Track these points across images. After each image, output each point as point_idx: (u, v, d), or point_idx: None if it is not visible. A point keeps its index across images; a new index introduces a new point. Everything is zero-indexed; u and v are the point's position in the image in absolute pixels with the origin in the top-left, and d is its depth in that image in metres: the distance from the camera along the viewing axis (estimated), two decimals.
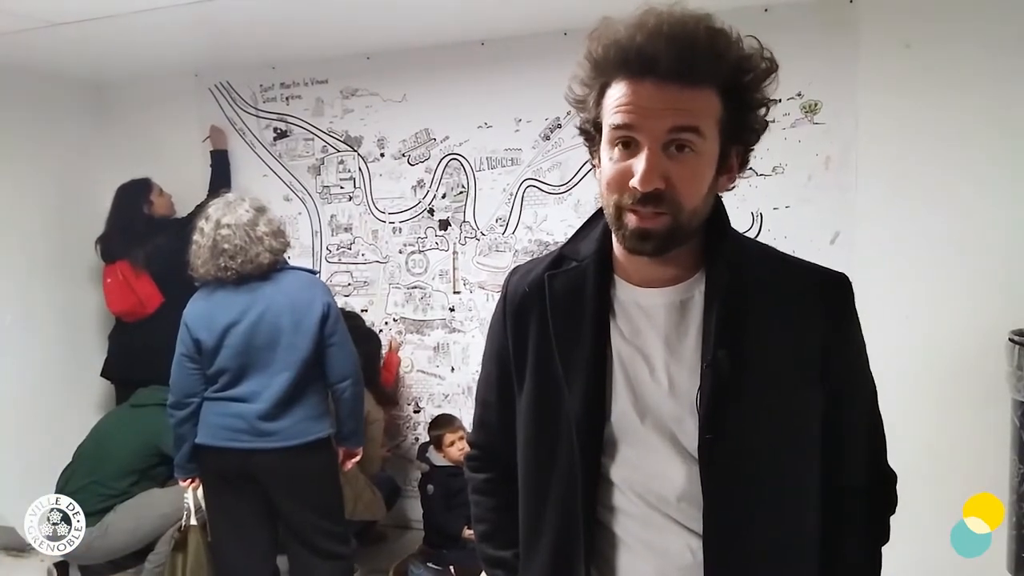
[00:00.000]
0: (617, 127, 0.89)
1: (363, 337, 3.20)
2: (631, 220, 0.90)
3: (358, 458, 2.61)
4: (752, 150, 0.97)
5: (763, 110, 0.93)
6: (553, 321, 1.03)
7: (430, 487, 3.01)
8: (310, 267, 3.45)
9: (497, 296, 1.15)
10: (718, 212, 0.99)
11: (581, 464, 0.99)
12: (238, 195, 2.47)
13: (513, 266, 1.16)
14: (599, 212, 1.06)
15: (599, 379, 0.99)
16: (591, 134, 0.97)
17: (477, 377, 1.22)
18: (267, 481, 2.36)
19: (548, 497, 1.04)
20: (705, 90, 0.87)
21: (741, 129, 0.92)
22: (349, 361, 2.45)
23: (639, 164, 0.87)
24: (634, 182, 0.87)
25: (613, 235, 0.97)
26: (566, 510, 1.01)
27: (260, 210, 2.40)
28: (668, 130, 0.87)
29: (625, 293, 1.01)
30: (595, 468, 1.00)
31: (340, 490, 2.57)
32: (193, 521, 2.58)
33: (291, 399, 2.34)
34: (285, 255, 2.46)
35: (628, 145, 0.89)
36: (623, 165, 0.89)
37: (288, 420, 2.34)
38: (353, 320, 3.36)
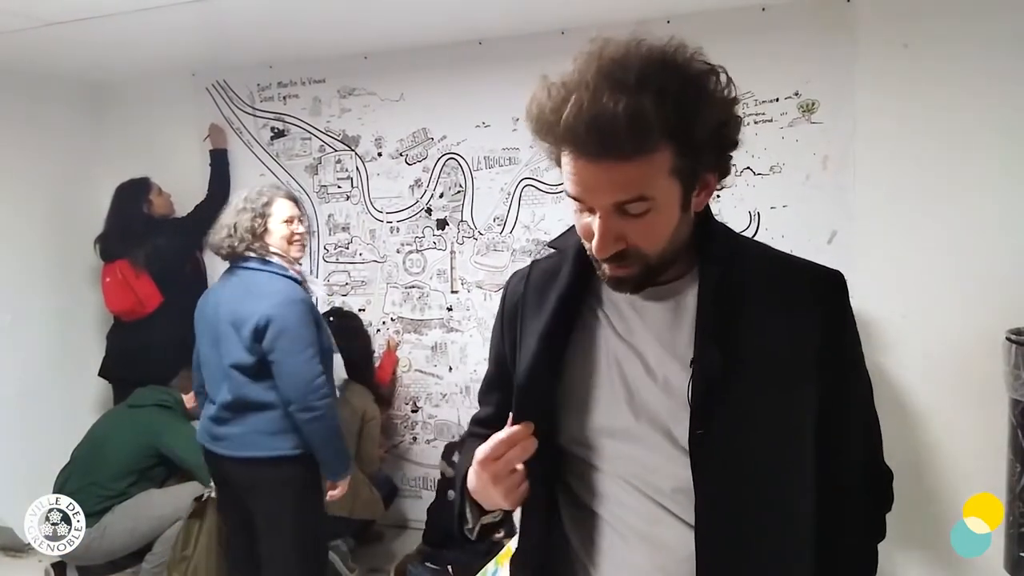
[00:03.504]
0: (569, 194, 0.91)
1: (352, 335, 3.20)
2: (604, 268, 0.94)
3: (339, 492, 2.36)
4: (731, 158, 0.95)
5: (722, 127, 0.89)
6: (527, 304, 1.06)
7: (451, 492, 2.97)
8: (304, 268, 3.42)
9: (494, 295, 1.16)
10: (704, 213, 0.99)
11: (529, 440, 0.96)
12: (284, 189, 2.44)
13: (511, 266, 1.17)
14: None
15: (548, 349, 1.01)
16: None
17: (475, 376, 1.23)
18: (237, 486, 2.32)
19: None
20: (644, 157, 0.84)
21: (703, 160, 0.89)
22: (292, 384, 2.14)
23: (595, 229, 0.89)
24: (592, 247, 0.90)
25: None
26: (532, 485, 1.00)
27: (268, 204, 2.27)
28: (612, 205, 0.87)
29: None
30: (546, 440, 0.98)
31: (313, 516, 2.33)
32: (214, 494, 2.64)
33: (239, 407, 2.20)
34: (265, 255, 2.26)
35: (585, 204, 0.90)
36: (586, 221, 0.92)
37: (238, 428, 2.22)
38: (351, 320, 3.37)
